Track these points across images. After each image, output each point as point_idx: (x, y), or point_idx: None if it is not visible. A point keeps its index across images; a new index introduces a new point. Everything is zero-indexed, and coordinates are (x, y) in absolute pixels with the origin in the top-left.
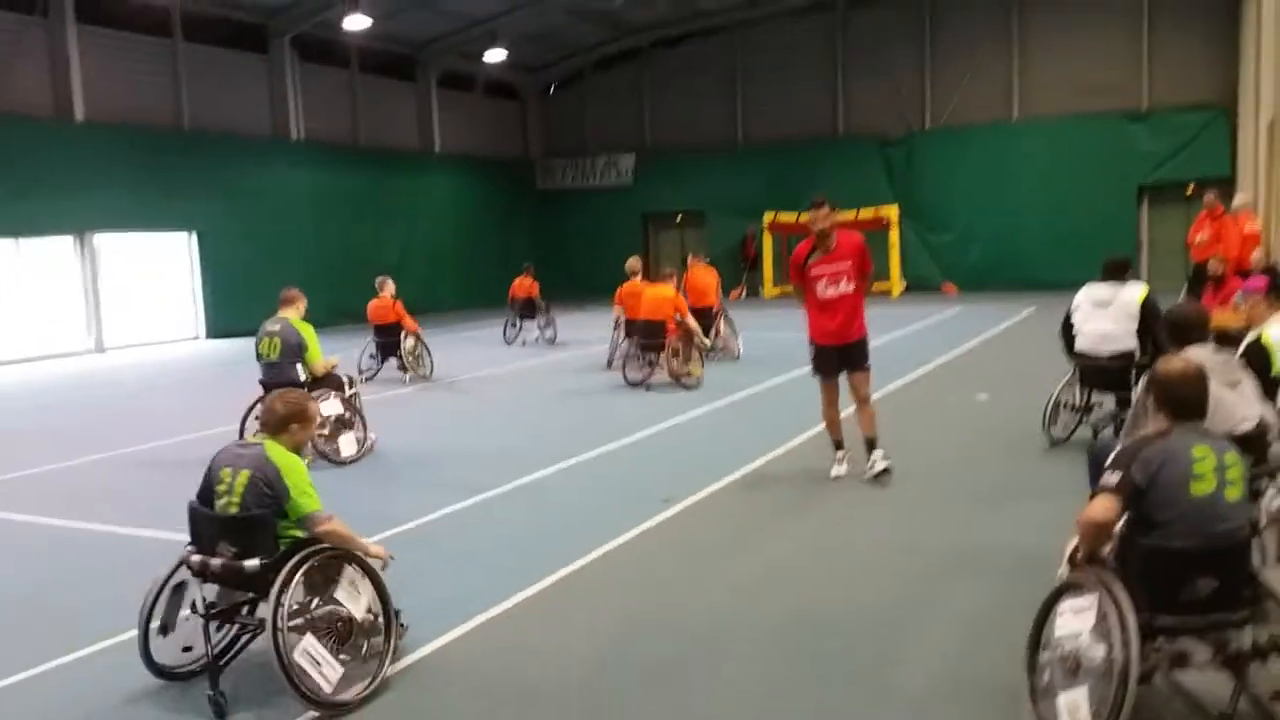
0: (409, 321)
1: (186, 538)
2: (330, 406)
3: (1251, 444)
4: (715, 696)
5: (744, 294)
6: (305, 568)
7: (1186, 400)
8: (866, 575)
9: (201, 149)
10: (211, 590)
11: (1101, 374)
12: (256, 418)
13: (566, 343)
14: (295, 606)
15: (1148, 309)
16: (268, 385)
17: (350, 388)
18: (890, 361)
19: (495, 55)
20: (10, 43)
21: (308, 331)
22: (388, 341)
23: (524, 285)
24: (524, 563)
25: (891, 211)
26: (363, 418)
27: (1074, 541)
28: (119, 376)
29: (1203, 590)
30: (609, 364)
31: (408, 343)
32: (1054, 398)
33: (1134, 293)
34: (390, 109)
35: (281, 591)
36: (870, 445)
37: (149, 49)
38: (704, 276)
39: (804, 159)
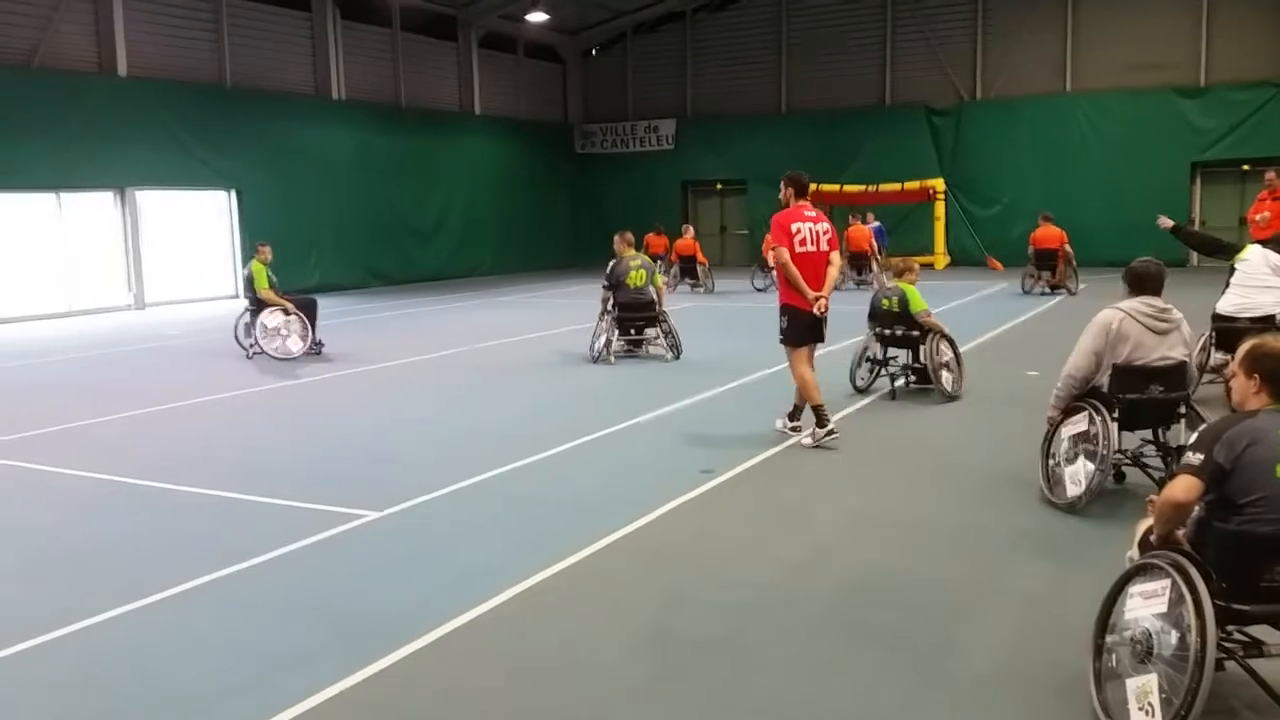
0: (701, 255)
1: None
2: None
3: None
4: (767, 672)
5: None
6: (935, 335)
7: None
8: (922, 550)
9: (243, 107)
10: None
11: (1239, 336)
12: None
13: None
14: (940, 353)
15: None
16: (631, 305)
17: (661, 304)
18: None
19: (537, 17)
20: None
21: (654, 265)
22: (687, 267)
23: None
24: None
25: (938, 183)
26: (673, 327)
27: (1145, 523)
28: (160, 333)
29: None
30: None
31: (700, 268)
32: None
33: None
34: (431, 69)
35: (932, 345)
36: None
37: (193, 5)
38: (861, 232)
39: (849, 128)
